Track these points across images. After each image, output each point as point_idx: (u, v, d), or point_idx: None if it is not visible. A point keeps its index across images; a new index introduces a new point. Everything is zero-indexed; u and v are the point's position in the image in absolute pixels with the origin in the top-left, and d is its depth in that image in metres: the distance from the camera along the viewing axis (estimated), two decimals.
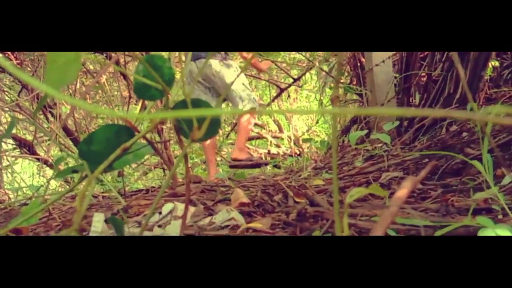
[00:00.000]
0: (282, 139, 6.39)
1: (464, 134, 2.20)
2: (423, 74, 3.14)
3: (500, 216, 1.07)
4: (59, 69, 0.64)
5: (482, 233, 0.73)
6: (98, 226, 0.92)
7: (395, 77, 3.28)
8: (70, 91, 5.25)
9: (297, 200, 1.60)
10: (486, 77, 2.96)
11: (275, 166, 4.96)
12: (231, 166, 3.64)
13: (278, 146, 6.20)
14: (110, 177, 4.07)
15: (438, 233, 0.84)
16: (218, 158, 5.90)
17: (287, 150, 6.01)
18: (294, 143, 6.12)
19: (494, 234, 0.72)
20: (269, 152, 5.65)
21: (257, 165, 3.68)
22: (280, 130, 6.74)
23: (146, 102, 0.98)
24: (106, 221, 0.98)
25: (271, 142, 6.16)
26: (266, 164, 3.85)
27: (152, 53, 0.79)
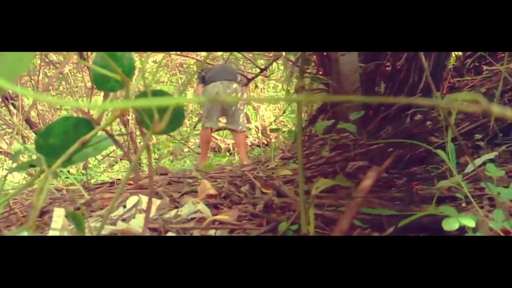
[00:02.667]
0: (250, 129, 6.39)
1: (428, 123, 2.22)
2: (388, 63, 3.17)
3: (463, 204, 1.08)
4: (12, 59, 0.61)
5: (446, 222, 0.73)
6: (59, 221, 0.89)
7: (360, 67, 3.30)
8: (33, 82, 5.10)
9: (264, 191, 1.59)
10: (449, 66, 3.01)
11: None
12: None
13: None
14: (75, 170, 4.00)
15: (403, 223, 0.84)
16: (186, 149, 5.86)
17: (254, 140, 6.01)
18: (262, 133, 6.13)
19: (458, 223, 0.72)
20: None
21: None
22: (248, 120, 6.73)
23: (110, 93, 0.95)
24: (67, 216, 0.95)
25: None
26: None
27: None
